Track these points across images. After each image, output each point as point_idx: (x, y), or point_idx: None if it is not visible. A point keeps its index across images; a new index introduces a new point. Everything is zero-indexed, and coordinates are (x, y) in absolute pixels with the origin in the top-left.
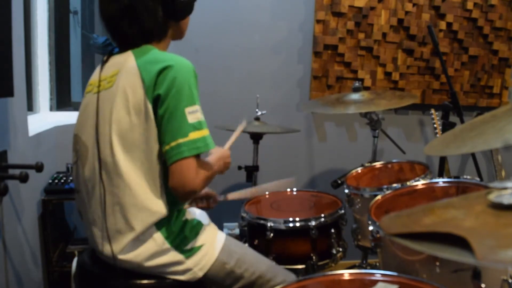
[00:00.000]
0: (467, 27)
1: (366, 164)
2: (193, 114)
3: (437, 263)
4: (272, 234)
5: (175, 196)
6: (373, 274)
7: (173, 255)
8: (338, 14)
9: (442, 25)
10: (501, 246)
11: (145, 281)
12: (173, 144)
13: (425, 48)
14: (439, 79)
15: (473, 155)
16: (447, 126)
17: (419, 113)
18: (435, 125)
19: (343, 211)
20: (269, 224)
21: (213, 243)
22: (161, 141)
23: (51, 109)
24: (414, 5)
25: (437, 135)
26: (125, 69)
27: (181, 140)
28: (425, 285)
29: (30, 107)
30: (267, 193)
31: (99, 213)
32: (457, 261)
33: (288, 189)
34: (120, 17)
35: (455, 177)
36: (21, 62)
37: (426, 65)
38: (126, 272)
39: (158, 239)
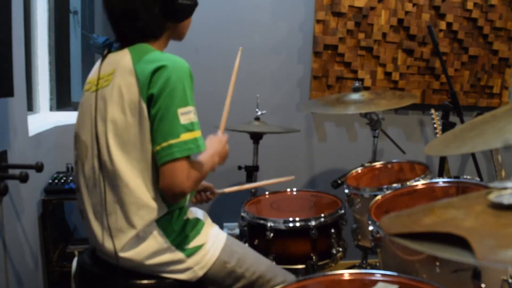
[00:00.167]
0: (467, 27)
1: (366, 164)
2: (186, 115)
3: (437, 263)
4: (272, 234)
5: (165, 197)
6: (373, 274)
7: (174, 254)
8: (338, 14)
9: (442, 25)
10: (501, 246)
11: (145, 281)
12: (164, 144)
13: (425, 48)
14: (439, 79)
15: (473, 155)
16: (447, 126)
17: (419, 113)
18: (435, 125)
19: (343, 211)
20: (269, 224)
21: (214, 243)
22: (153, 141)
23: (51, 109)
24: (414, 5)
25: (437, 135)
26: (121, 68)
27: (172, 141)
28: (425, 285)
29: (30, 107)
30: (267, 193)
31: (100, 211)
32: (457, 261)
33: (288, 189)
34: (119, 13)
35: (455, 177)
36: (21, 62)
37: (426, 65)
38: (126, 272)
39: (159, 237)
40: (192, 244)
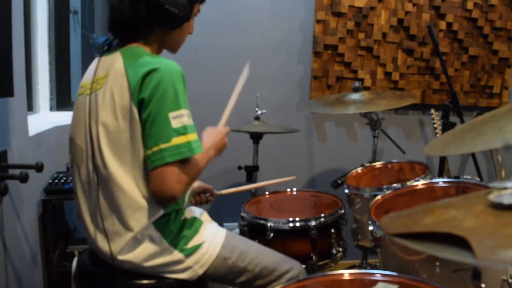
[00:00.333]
0: (467, 27)
1: (366, 164)
2: (178, 118)
3: (437, 263)
4: (272, 234)
5: (155, 201)
6: (373, 274)
7: (173, 255)
8: (338, 14)
9: (442, 25)
10: (501, 246)
11: (145, 281)
12: (155, 149)
13: (425, 48)
14: (439, 79)
15: (473, 155)
16: (447, 126)
17: (419, 113)
18: (435, 125)
19: (343, 211)
20: (269, 224)
21: (213, 240)
22: (144, 145)
23: (51, 109)
24: (414, 5)
25: (437, 135)
26: (113, 71)
27: (163, 146)
28: (425, 285)
29: (30, 107)
30: (267, 193)
31: (96, 215)
32: (457, 261)
33: (288, 189)
34: (111, 8)
35: (455, 177)
36: (21, 62)
37: (426, 65)
38: (126, 272)
39: (157, 239)
40: (191, 243)
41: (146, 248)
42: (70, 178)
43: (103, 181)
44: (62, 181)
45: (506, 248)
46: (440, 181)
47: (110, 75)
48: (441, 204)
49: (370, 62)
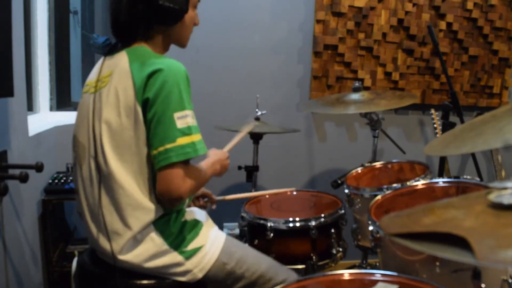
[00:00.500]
0: (467, 27)
1: (366, 164)
2: (182, 119)
3: (437, 263)
4: (272, 234)
5: (162, 201)
6: (373, 274)
7: (173, 257)
8: (338, 14)
9: (442, 25)
10: (501, 246)
11: (145, 281)
12: (160, 149)
13: (425, 48)
14: (439, 79)
15: (473, 155)
16: (447, 126)
17: (419, 113)
18: (435, 125)
19: (343, 211)
20: (269, 224)
21: (213, 244)
22: (150, 145)
23: (51, 109)
24: (414, 5)
25: (437, 135)
26: (118, 70)
27: (168, 146)
28: (425, 285)
29: (30, 107)
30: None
31: (97, 213)
32: (457, 261)
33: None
34: (112, 8)
35: (455, 177)
36: (21, 62)
37: (426, 65)
38: (126, 272)
39: (157, 240)
40: (191, 246)
41: (146, 249)
42: (70, 178)
43: (104, 179)
44: (62, 181)
45: (506, 248)
46: (440, 181)
47: (114, 73)
48: (441, 204)
49: (370, 62)
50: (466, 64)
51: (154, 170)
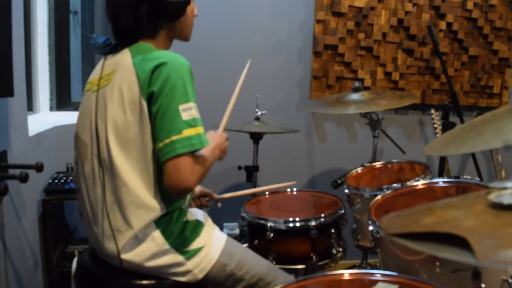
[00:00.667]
0: (467, 27)
1: (366, 164)
2: (188, 111)
3: (437, 263)
4: (272, 234)
5: (170, 194)
6: (373, 274)
7: (174, 256)
8: (338, 14)
9: (442, 25)
10: (501, 246)
11: (145, 282)
12: (167, 141)
13: (425, 48)
14: (439, 79)
15: (473, 155)
16: (447, 126)
17: (419, 113)
18: (435, 125)
19: (343, 211)
20: (269, 224)
21: (214, 245)
22: (155, 139)
23: (51, 109)
24: (414, 5)
25: (437, 135)
26: (121, 67)
27: (174, 137)
28: (425, 285)
29: (30, 107)
30: (267, 193)
31: (99, 211)
32: (457, 261)
33: (288, 189)
34: (111, 13)
35: (455, 177)
36: (21, 62)
37: (426, 65)
38: (126, 272)
39: (158, 239)
40: (192, 246)
41: (147, 248)
42: (70, 178)
43: (107, 177)
44: (62, 181)
45: (506, 248)
46: (440, 181)
47: (117, 71)
48: (441, 204)
49: (370, 62)
50: (466, 64)
51: (158, 166)
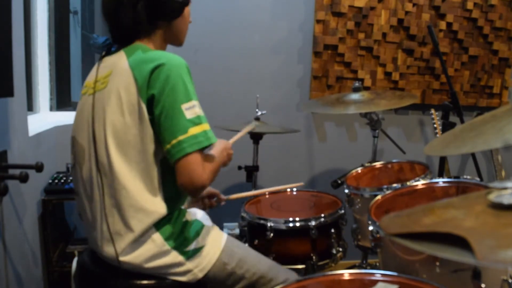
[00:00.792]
0: (467, 27)
1: (366, 164)
2: (191, 109)
3: (437, 263)
4: (272, 234)
5: (185, 193)
6: (373, 274)
7: (174, 257)
8: (338, 14)
9: (442, 25)
10: (501, 246)
11: (145, 282)
12: (174, 142)
13: (425, 48)
14: (439, 79)
15: (473, 155)
16: (447, 126)
17: (419, 113)
18: (435, 125)
19: (343, 211)
20: (269, 224)
21: (214, 244)
22: (162, 141)
23: (51, 109)
24: (414, 5)
25: (437, 135)
26: (118, 70)
27: (181, 137)
28: (425, 285)
29: (30, 107)
30: (267, 193)
31: (98, 215)
32: (457, 261)
33: (288, 189)
34: (109, 13)
35: (455, 177)
36: (21, 62)
37: (426, 65)
38: (126, 272)
39: (158, 240)
40: (192, 246)
41: (146, 249)
42: (70, 178)
43: (106, 180)
44: (62, 181)
45: (506, 248)
46: (440, 181)
47: (114, 73)
48: (441, 204)
49: (370, 62)
50: (466, 64)
51: (161, 167)
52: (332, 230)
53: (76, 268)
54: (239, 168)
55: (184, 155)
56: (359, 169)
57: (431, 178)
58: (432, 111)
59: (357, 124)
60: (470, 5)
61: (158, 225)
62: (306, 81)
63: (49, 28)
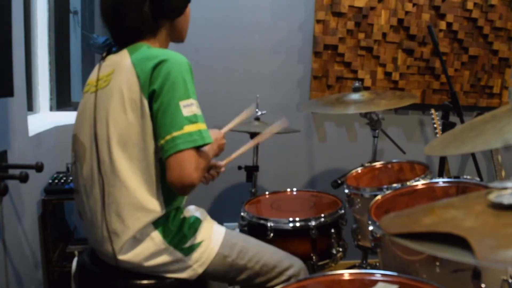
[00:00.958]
0: (467, 27)
1: (366, 164)
2: (188, 107)
3: (437, 263)
4: (272, 234)
5: (173, 190)
6: (373, 274)
7: (172, 254)
8: (338, 14)
9: (442, 25)
10: (501, 246)
11: (145, 281)
12: (168, 137)
13: (425, 48)
14: (439, 79)
15: (473, 155)
16: (447, 126)
17: (419, 113)
18: (435, 125)
19: (343, 211)
20: (269, 224)
21: (213, 239)
22: (157, 136)
23: (51, 109)
24: (414, 5)
25: (437, 135)
26: (120, 67)
27: (175, 133)
28: (425, 285)
29: (30, 107)
30: (267, 193)
31: (97, 213)
32: (457, 261)
33: (288, 189)
34: (112, 14)
35: (455, 177)
36: (21, 62)
37: (426, 65)
38: (126, 272)
39: (156, 238)
40: (190, 242)
41: (145, 248)
42: (70, 178)
43: (106, 178)
44: (62, 181)
45: (506, 248)
46: (440, 181)
47: (116, 71)
48: (441, 204)
49: (370, 62)
50: (466, 64)
51: (160, 165)
52: (332, 230)
53: (76, 268)
54: (239, 168)
55: (176, 152)
56: (359, 169)
57: (431, 178)
58: (432, 111)
59: (357, 124)
60: (470, 5)
61: (156, 223)
62: (306, 81)
63: (49, 28)
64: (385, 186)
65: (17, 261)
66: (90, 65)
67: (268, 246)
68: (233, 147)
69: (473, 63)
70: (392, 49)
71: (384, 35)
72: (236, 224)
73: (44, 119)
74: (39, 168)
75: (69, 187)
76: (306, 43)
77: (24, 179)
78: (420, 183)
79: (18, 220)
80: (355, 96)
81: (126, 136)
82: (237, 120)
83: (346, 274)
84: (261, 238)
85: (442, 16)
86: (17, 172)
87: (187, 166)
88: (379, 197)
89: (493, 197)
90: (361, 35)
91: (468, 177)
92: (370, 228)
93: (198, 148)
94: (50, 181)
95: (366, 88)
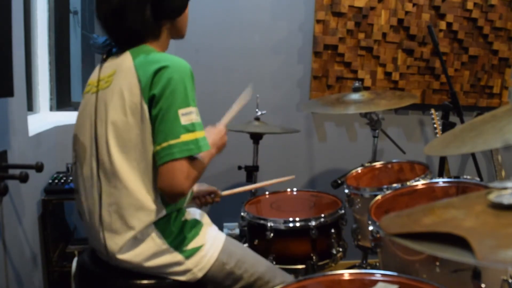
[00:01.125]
0: (467, 27)
1: (366, 164)
2: (187, 116)
3: (437, 263)
4: (272, 234)
5: (164, 196)
6: (373, 274)
7: (173, 256)
8: (338, 14)
9: (442, 25)
10: (501, 246)
11: (145, 281)
12: (164, 145)
13: (425, 48)
14: (439, 79)
15: (473, 155)
16: (447, 126)
17: (419, 113)
18: (435, 125)
19: (343, 211)
20: (269, 224)
21: (213, 244)
22: (154, 141)
23: (51, 109)
24: (414, 5)
25: (437, 135)
26: (122, 69)
27: (172, 142)
28: (425, 285)
29: (30, 107)
30: (267, 193)
31: (97, 213)
32: (457, 261)
33: (288, 189)
34: (112, 18)
35: (455, 177)
36: (21, 62)
37: (426, 65)
38: (126, 272)
39: (157, 239)
40: (191, 245)
41: (146, 248)
42: (70, 178)
43: (107, 179)
44: (62, 181)
45: (506, 248)
46: (440, 181)
47: (118, 73)
48: (441, 204)
49: (370, 62)
50: (466, 64)
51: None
52: (332, 230)
53: (76, 268)
54: (239, 168)
55: (171, 160)
56: (359, 169)
57: (431, 178)
58: (432, 111)
59: (357, 124)
60: (470, 5)
61: (157, 224)
62: (306, 81)
63: (49, 28)
64: (385, 186)
65: (17, 261)
66: (90, 65)
67: (263, 259)
68: (233, 148)
69: (473, 63)
70: (392, 49)
71: (384, 35)
72: (236, 224)
73: (44, 119)
74: (39, 168)
75: (69, 187)
76: (306, 43)
77: (24, 179)
78: (420, 183)
79: (18, 220)
80: (355, 96)
81: (125, 138)
82: (236, 107)
83: (346, 274)
84: (261, 238)
85: (442, 16)
86: (17, 172)
87: (179, 175)
88: (379, 197)
89: (493, 197)
90: (361, 35)
91: (468, 177)
92: (370, 228)
93: (192, 157)
94: (50, 181)
95: (366, 88)
